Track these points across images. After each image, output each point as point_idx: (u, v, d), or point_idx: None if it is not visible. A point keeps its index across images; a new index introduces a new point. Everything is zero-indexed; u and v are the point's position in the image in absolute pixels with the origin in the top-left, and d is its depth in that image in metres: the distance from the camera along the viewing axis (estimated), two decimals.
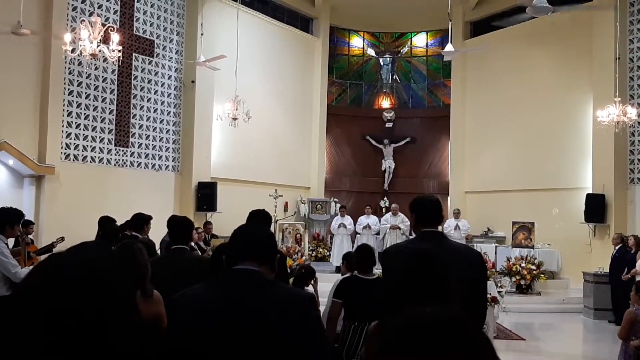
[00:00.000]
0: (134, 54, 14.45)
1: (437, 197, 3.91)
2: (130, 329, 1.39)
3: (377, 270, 5.38)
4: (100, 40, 9.73)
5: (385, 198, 19.66)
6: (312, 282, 6.55)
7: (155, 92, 14.98)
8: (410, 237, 15.60)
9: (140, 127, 14.61)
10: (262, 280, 2.43)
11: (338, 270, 15.36)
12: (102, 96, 13.71)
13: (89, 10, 13.21)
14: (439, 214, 3.63)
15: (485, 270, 3.80)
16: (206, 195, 15.15)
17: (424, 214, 3.57)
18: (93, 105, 13.53)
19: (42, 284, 1.36)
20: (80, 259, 1.44)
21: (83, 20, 9.95)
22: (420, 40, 21.22)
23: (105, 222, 7.75)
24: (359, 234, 16.45)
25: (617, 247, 12.61)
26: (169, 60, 15.30)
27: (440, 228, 14.33)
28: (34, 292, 1.36)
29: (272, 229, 7.76)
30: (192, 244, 9.58)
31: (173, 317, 2.47)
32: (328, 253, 16.77)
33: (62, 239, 9.42)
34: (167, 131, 15.25)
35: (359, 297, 5.16)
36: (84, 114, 13.37)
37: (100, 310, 1.33)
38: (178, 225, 4.91)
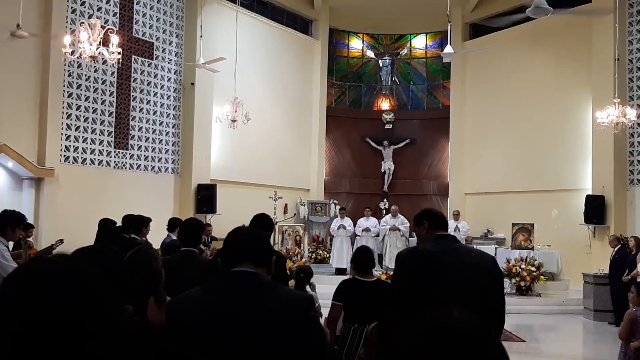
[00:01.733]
0: (133, 56, 14.45)
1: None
2: (116, 340, 1.33)
3: (377, 272, 5.38)
4: (99, 42, 9.73)
5: (385, 200, 19.66)
6: (309, 284, 6.54)
7: (155, 94, 14.98)
8: (410, 238, 15.64)
9: (140, 129, 14.60)
10: (260, 282, 2.42)
11: (338, 272, 15.38)
12: (101, 98, 13.70)
13: (88, 13, 13.21)
14: (446, 220, 4.10)
15: (498, 273, 3.84)
16: (206, 197, 15.14)
17: (437, 220, 3.91)
18: (92, 107, 13.52)
19: (15, 293, 1.31)
20: (58, 265, 1.38)
21: (82, 23, 9.95)
22: (419, 42, 21.22)
23: (106, 225, 7.75)
24: (359, 236, 16.44)
25: (615, 249, 12.61)
26: (168, 63, 15.30)
27: None
28: (6, 301, 1.30)
29: (273, 232, 7.75)
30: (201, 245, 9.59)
31: (171, 320, 2.46)
32: (328, 255, 16.73)
33: (62, 241, 9.41)
34: (167, 133, 15.25)
35: (358, 299, 5.15)
36: (84, 116, 13.36)
37: (79, 322, 1.28)
38: (189, 228, 4.86)
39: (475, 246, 15.80)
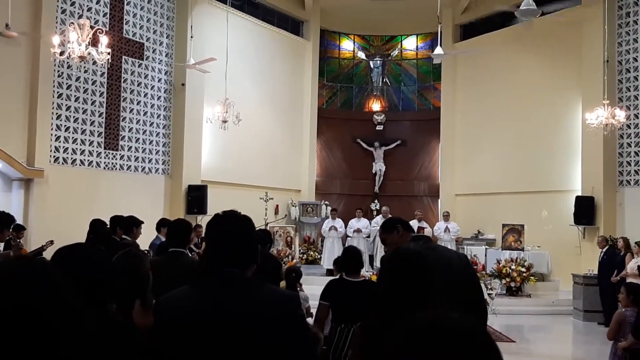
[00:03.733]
0: (123, 57, 14.39)
1: None
2: (78, 339, 1.34)
3: (368, 272, 5.38)
4: (88, 42, 9.67)
5: (376, 201, 19.68)
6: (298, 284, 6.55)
7: (145, 95, 14.93)
8: None
9: (130, 130, 14.55)
10: (247, 281, 2.41)
11: (329, 273, 15.37)
12: (91, 99, 13.64)
13: (78, 13, 13.14)
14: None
15: (475, 272, 3.85)
16: (196, 198, 15.09)
17: (407, 224, 4.21)
18: (82, 108, 13.46)
19: None
20: (15, 265, 1.40)
21: (72, 23, 9.90)
22: (410, 43, 21.27)
23: (97, 226, 7.73)
24: (350, 237, 16.45)
25: (603, 250, 12.68)
26: (158, 63, 15.25)
27: (430, 230, 14.41)
28: None
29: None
30: (192, 246, 9.55)
31: (157, 319, 2.44)
32: (319, 256, 16.73)
33: (52, 242, 9.35)
34: (157, 134, 15.19)
35: (345, 299, 5.15)
36: (74, 117, 13.30)
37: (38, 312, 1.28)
38: (177, 228, 4.85)
39: (465, 247, 15.88)
